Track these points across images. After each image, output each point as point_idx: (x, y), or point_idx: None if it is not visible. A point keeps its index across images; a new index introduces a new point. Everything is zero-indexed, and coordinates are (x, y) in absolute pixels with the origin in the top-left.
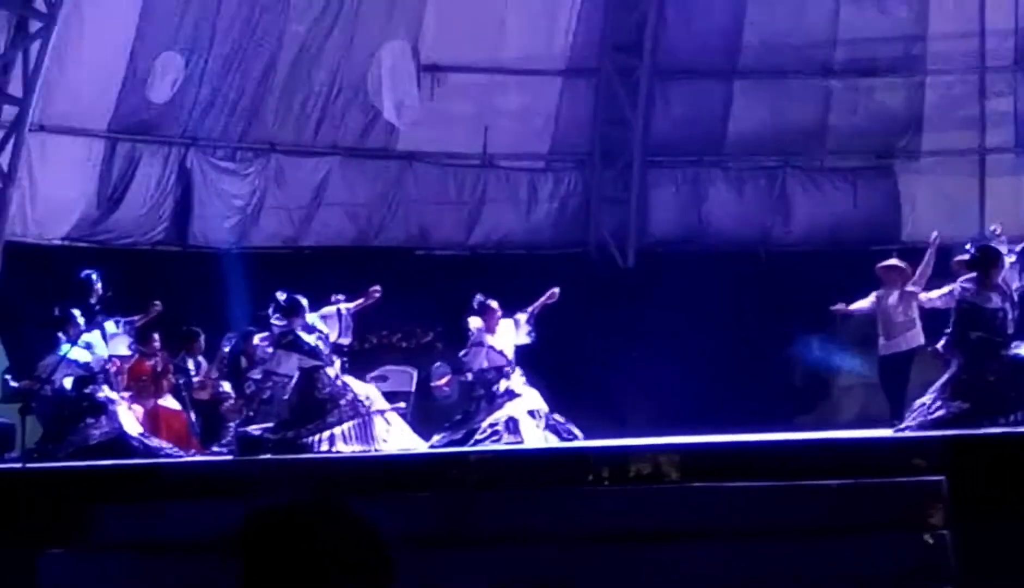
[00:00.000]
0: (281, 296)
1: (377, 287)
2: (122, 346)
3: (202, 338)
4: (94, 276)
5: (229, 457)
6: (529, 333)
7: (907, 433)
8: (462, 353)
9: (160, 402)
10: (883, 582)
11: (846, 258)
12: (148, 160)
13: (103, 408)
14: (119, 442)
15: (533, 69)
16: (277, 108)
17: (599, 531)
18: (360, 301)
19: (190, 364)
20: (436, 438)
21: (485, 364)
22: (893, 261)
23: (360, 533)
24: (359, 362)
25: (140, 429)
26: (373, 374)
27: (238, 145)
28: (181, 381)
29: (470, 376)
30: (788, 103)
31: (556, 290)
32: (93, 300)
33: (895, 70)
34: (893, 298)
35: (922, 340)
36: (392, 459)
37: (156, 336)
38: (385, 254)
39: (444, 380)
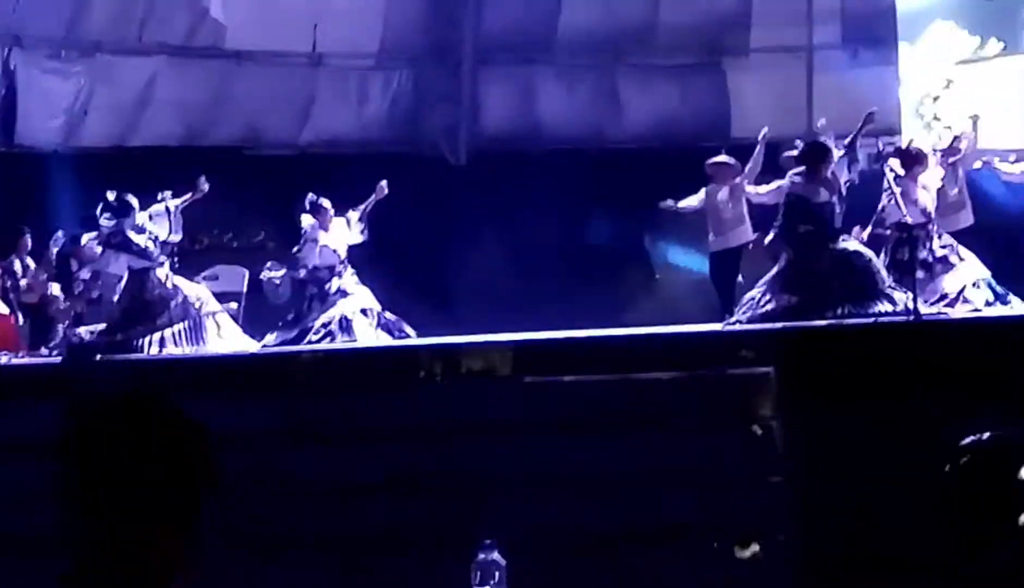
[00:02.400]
0: (111, 196)
1: (203, 178)
2: None
3: (29, 238)
4: None
5: (58, 359)
6: (362, 231)
7: (736, 327)
8: (295, 249)
9: None
10: (713, 473)
11: (676, 155)
12: None
13: None
14: None
15: None
16: (102, 7)
17: (432, 427)
18: (188, 196)
19: (16, 265)
20: (269, 338)
21: (318, 262)
22: (722, 158)
23: (182, 427)
24: (190, 262)
25: None
26: (204, 274)
27: (63, 44)
28: (8, 283)
29: (303, 273)
30: (618, 0)
31: (384, 183)
32: None
33: None
34: (722, 194)
35: (751, 236)
36: (224, 359)
37: None
38: (214, 154)
39: (278, 273)
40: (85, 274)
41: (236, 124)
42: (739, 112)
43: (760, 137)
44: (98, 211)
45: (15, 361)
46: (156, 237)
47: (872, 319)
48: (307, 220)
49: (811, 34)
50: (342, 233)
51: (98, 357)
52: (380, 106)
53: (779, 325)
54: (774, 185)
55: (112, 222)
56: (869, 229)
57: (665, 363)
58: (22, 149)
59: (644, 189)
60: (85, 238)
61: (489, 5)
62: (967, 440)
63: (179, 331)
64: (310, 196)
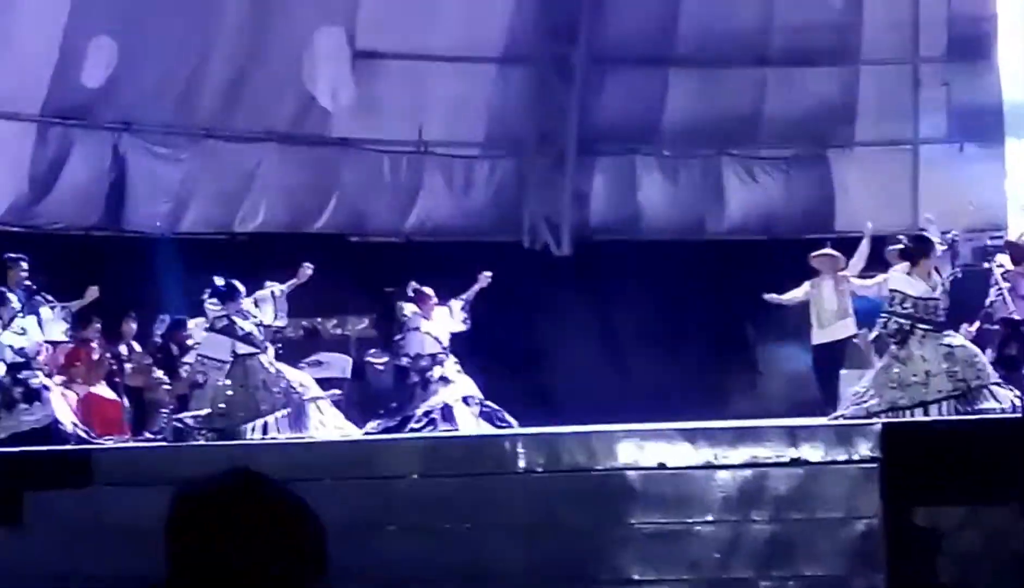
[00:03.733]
0: (218, 280)
1: (307, 264)
2: (57, 331)
3: (134, 322)
4: (23, 261)
5: (162, 443)
6: (464, 320)
7: (840, 421)
8: (397, 337)
9: (93, 390)
10: (817, 566)
11: (780, 247)
12: (81, 145)
13: (37, 395)
14: (52, 429)
15: (469, 56)
16: (211, 93)
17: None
18: (292, 281)
19: (122, 349)
20: (371, 425)
21: (421, 350)
22: (826, 250)
23: (292, 515)
24: (293, 348)
25: (73, 417)
26: (307, 360)
27: (172, 130)
28: (114, 367)
29: (405, 361)
30: (723, 92)
31: (488, 273)
32: (23, 285)
33: (830, 60)
34: (827, 287)
35: (854, 329)
36: (327, 445)
37: (97, 322)
38: (319, 241)
39: (381, 360)
40: (190, 358)
41: (341, 211)
42: (843, 205)
43: (865, 231)
44: (205, 295)
45: (120, 445)
46: (260, 322)
47: (978, 416)
48: (410, 308)
49: (917, 127)
50: (444, 321)
51: (201, 442)
52: (484, 194)
53: (884, 420)
54: (879, 278)
55: (218, 306)
56: (976, 324)
57: (769, 455)
58: (130, 233)
59: (747, 281)
60: (191, 323)
61: (593, 94)
62: None
63: (282, 417)
64: (412, 284)
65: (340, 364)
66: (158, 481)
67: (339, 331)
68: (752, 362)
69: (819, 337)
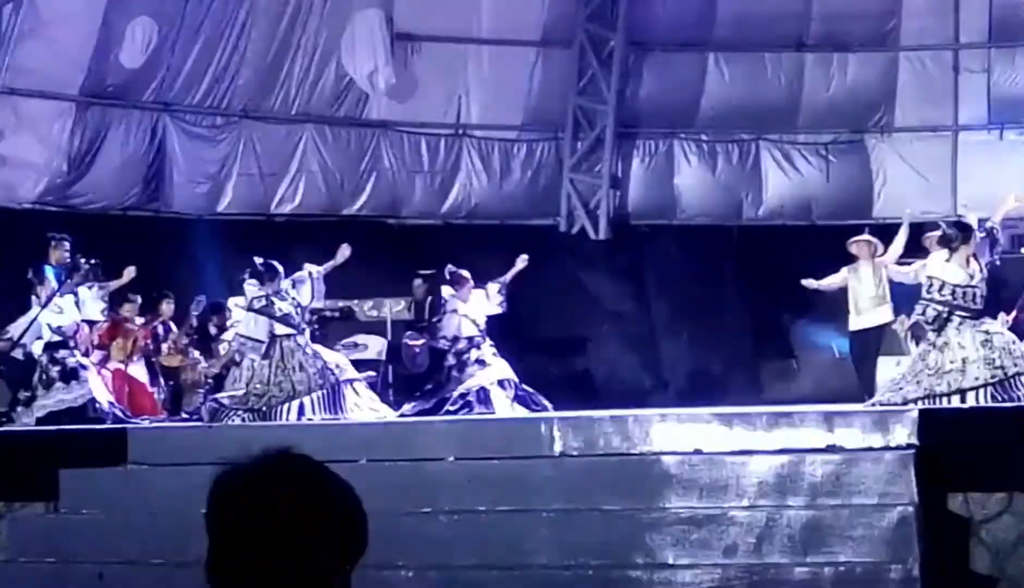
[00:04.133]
0: (258, 260)
1: (346, 245)
2: (95, 310)
3: (171, 303)
4: (66, 241)
5: (199, 424)
6: (500, 303)
7: (878, 408)
8: (434, 319)
9: (129, 370)
10: (852, 551)
11: (818, 233)
12: (120, 125)
13: (74, 374)
14: (88, 408)
15: (508, 39)
16: (250, 75)
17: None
18: (330, 263)
19: (159, 329)
20: (407, 407)
21: (457, 332)
22: (865, 236)
23: (334, 498)
24: (330, 330)
25: (110, 396)
26: (343, 342)
27: (211, 110)
28: (151, 346)
29: (442, 343)
30: (762, 76)
31: (525, 256)
32: (63, 264)
33: (869, 45)
34: (864, 273)
35: (892, 316)
36: (362, 427)
37: (134, 302)
38: (357, 223)
39: (418, 342)
40: (227, 337)
41: (379, 193)
42: (882, 190)
43: (904, 217)
44: (244, 276)
45: (155, 424)
46: (298, 303)
47: (1015, 404)
48: (447, 291)
49: (956, 114)
50: (481, 304)
51: (237, 422)
52: (521, 178)
53: (921, 407)
54: (917, 265)
55: (256, 287)
56: (1014, 313)
57: (804, 441)
58: (167, 214)
59: (784, 266)
60: (230, 302)
61: (632, 78)
62: None
63: (318, 398)
64: (449, 267)
65: (377, 346)
66: (193, 461)
67: (376, 313)
68: (788, 348)
69: (856, 323)
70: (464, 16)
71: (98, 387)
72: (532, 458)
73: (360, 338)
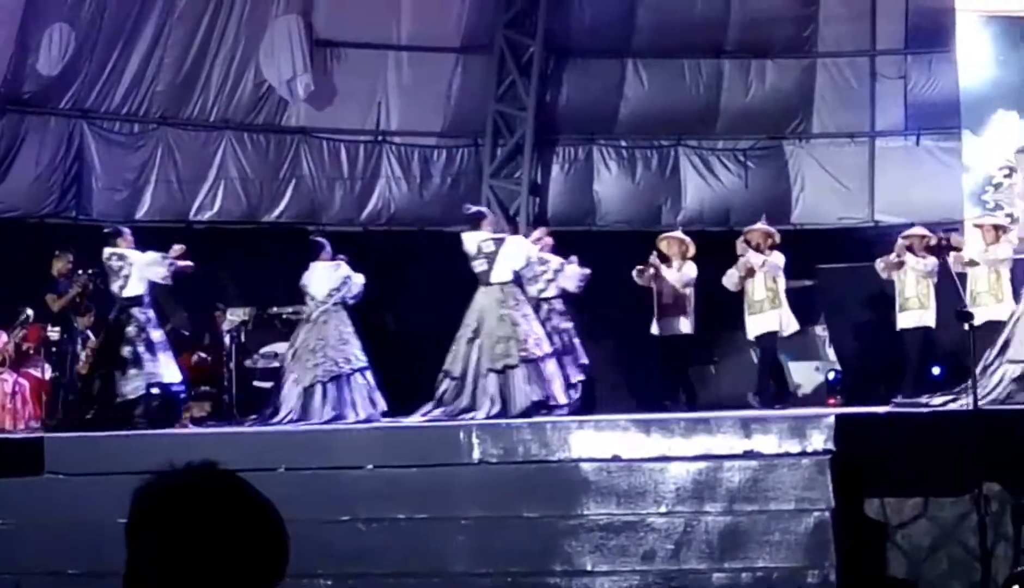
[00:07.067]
0: None
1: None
2: None
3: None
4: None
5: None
6: None
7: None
8: None
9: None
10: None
11: (736, 238)
12: (37, 132)
13: None
14: None
15: (427, 46)
16: (168, 81)
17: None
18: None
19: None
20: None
21: None
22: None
23: (254, 512)
24: (250, 336)
25: None
26: (262, 351)
27: (129, 117)
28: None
29: None
30: (681, 83)
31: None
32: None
33: (787, 52)
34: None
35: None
36: (281, 435)
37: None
38: (277, 230)
39: None
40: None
41: (298, 200)
42: (800, 196)
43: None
44: None
45: (73, 434)
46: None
47: (927, 409)
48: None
49: (874, 120)
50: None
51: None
52: (441, 184)
53: (836, 412)
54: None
55: None
56: None
57: (723, 446)
58: (86, 221)
59: (703, 271)
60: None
61: (551, 85)
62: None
63: None
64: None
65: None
66: (111, 470)
67: (296, 319)
68: (709, 354)
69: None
70: (384, 23)
71: None
72: (451, 466)
73: (279, 347)
